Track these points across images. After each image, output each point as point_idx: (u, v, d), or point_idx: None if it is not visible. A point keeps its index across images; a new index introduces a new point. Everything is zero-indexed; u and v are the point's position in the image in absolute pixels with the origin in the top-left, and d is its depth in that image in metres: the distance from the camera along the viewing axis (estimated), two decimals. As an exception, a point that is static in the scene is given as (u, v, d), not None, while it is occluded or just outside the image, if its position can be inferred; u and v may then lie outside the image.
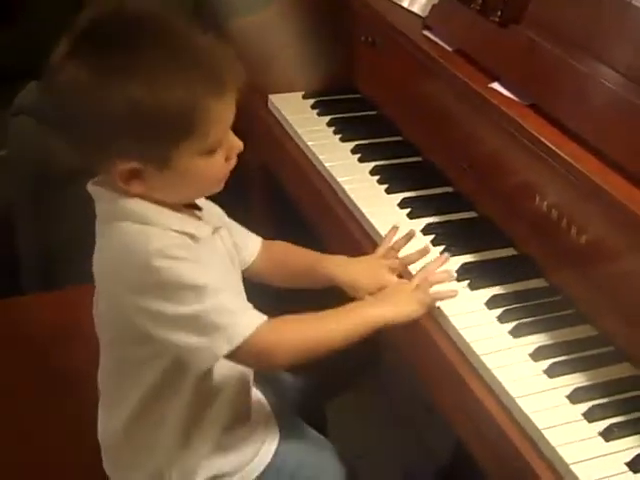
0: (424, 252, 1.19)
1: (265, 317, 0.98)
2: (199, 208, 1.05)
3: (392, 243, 1.21)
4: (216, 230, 1.05)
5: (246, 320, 0.96)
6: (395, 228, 1.23)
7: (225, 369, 1.04)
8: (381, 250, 1.20)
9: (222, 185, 1.02)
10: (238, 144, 0.99)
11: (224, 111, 0.95)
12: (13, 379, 1.35)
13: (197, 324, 0.94)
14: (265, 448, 1.13)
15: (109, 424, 1.10)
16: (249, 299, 1.05)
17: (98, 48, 0.91)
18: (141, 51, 0.91)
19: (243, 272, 1.15)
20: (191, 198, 1.03)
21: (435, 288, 1.12)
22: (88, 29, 0.93)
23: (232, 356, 0.97)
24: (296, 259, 1.20)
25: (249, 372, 1.11)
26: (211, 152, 0.96)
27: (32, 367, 1.38)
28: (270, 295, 1.16)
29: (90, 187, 1.01)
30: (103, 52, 0.91)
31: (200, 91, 0.92)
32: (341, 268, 1.16)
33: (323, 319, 1.04)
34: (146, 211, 0.97)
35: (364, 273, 1.15)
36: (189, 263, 0.95)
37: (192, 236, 0.98)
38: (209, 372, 1.03)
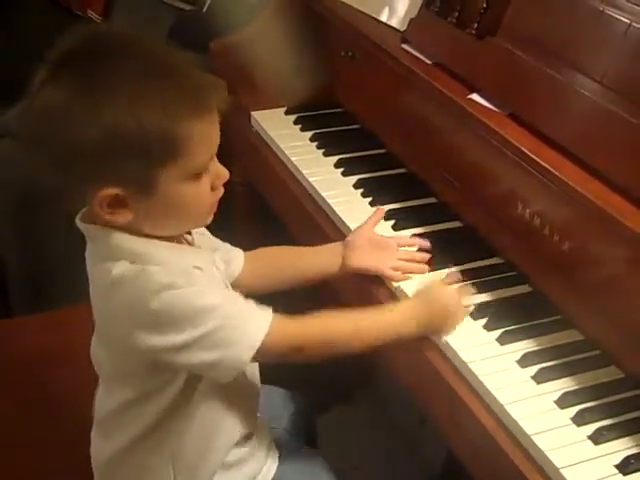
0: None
1: (270, 312, 0.98)
2: (189, 232, 1.04)
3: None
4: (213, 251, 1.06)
5: (257, 323, 0.96)
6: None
7: (233, 394, 1.04)
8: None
9: (210, 218, 1.00)
10: (224, 173, 0.97)
11: (208, 131, 0.93)
12: (2, 401, 1.35)
13: (214, 340, 0.94)
14: (267, 466, 1.13)
15: (106, 448, 1.07)
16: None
17: (76, 73, 0.89)
18: (120, 74, 0.88)
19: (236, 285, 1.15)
20: (179, 230, 1.01)
21: None
22: (65, 55, 0.90)
23: (261, 356, 0.97)
24: (287, 262, 1.21)
25: (256, 392, 1.11)
26: (197, 177, 0.93)
27: (21, 389, 1.37)
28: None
29: (80, 224, 0.98)
30: (81, 77, 0.88)
31: (182, 111, 0.89)
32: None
33: (357, 319, 1.04)
34: (142, 247, 0.94)
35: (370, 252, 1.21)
36: (190, 288, 0.93)
37: (195, 267, 0.97)
38: (218, 396, 1.03)
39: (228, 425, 1.06)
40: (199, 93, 0.91)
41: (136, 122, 0.87)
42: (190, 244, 1.04)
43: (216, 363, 0.95)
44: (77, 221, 0.98)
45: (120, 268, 0.93)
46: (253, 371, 1.10)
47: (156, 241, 0.96)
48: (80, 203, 0.97)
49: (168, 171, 0.91)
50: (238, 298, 1.00)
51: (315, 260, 1.22)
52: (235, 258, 1.17)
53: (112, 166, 0.89)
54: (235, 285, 1.16)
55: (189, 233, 1.04)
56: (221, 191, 0.98)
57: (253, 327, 0.96)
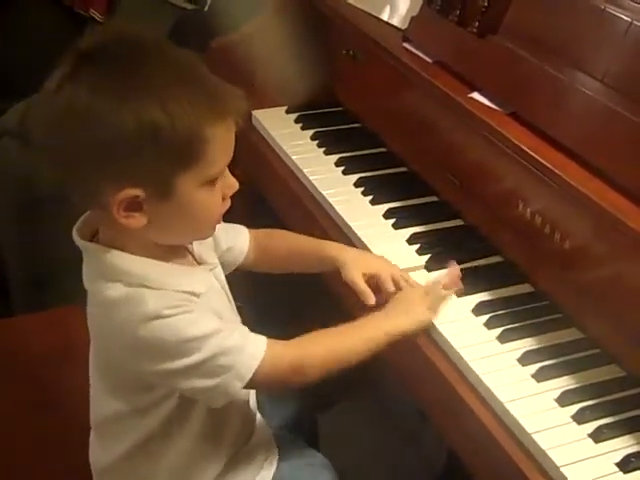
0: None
1: (265, 339, 0.98)
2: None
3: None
4: (212, 269, 1.05)
5: (251, 353, 0.96)
6: None
7: (233, 401, 1.04)
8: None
9: (214, 232, 1.01)
10: (235, 184, 0.97)
11: (229, 137, 0.93)
12: (1, 401, 1.35)
13: (206, 369, 0.94)
14: (267, 466, 1.13)
15: (104, 456, 1.08)
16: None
17: (106, 71, 0.88)
18: (151, 74, 0.88)
19: (237, 268, 1.16)
20: (185, 240, 1.01)
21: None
22: (91, 52, 0.89)
23: (252, 386, 0.98)
24: (298, 244, 1.21)
25: (253, 398, 1.12)
26: (212, 184, 0.93)
27: (22, 388, 1.37)
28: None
29: (78, 241, 0.98)
30: (111, 74, 0.88)
31: (209, 115, 0.89)
32: (343, 250, 1.19)
33: (344, 333, 1.05)
34: (139, 269, 0.94)
35: (367, 255, 1.20)
36: (186, 315, 0.93)
37: (192, 293, 0.97)
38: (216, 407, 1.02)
39: (226, 432, 1.06)
40: (223, 99, 0.92)
41: (168, 121, 0.87)
42: (193, 257, 1.04)
43: (208, 390, 0.95)
44: (75, 237, 0.98)
45: (115, 291, 0.93)
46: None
47: (155, 261, 0.96)
48: (90, 205, 0.96)
49: (188, 175, 0.90)
50: (233, 326, 1.00)
51: (319, 266, 1.21)
52: (239, 239, 1.18)
53: (138, 165, 0.88)
54: (243, 267, 1.17)
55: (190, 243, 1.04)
56: (229, 203, 0.98)
57: (247, 355, 0.96)
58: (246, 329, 1.00)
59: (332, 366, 1.01)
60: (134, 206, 0.91)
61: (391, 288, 1.14)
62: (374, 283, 1.15)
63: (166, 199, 0.91)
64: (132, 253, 0.95)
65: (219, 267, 1.08)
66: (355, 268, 1.14)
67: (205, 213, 0.95)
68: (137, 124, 0.86)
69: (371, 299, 1.12)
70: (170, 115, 0.86)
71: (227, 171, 0.96)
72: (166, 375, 0.95)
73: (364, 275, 1.14)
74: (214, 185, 0.94)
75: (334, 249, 1.19)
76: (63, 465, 1.23)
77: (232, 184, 0.97)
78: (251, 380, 0.96)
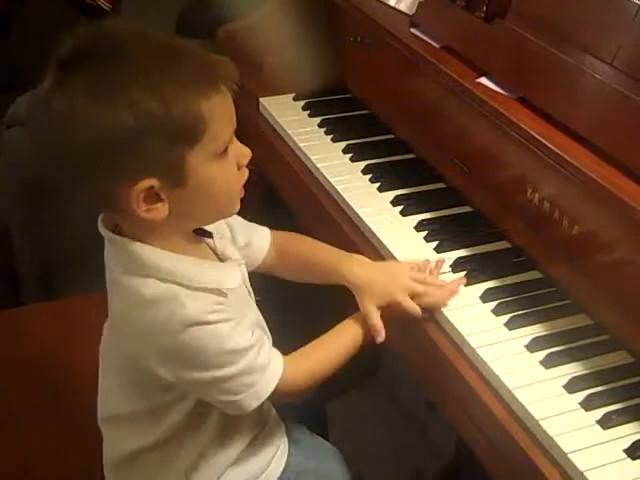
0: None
1: (281, 358, 1.02)
2: (210, 235, 1.03)
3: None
4: (240, 264, 1.05)
5: (271, 374, 0.99)
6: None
7: None
8: (410, 263, 1.18)
9: (239, 204, 0.99)
10: (247, 151, 0.97)
11: (226, 105, 0.92)
12: (12, 390, 1.35)
13: (231, 384, 0.96)
14: (278, 456, 1.13)
15: (117, 450, 1.08)
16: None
17: (90, 73, 0.87)
18: (135, 65, 0.87)
19: (255, 269, 1.15)
20: (210, 220, 1.01)
21: None
22: (71, 58, 0.88)
23: (278, 396, 1.02)
24: (314, 256, 1.19)
25: None
26: (222, 156, 0.93)
27: (31, 378, 1.37)
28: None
29: (103, 231, 0.97)
30: (97, 75, 0.87)
31: (200, 89, 0.89)
32: (356, 271, 1.14)
33: (326, 342, 1.08)
34: (167, 263, 0.94)
35: (380, 279, 1.13)
36: (228, 324, 0.95)
37: (220, 292, 0.97)
38: None
39: (242, 425, 1.07)
40: (211, 70, 0.91)
41: (164, 107, 0.86)
42: (215, 252, 1.04)
43: (223, 403, 0.99)
44: (100, 227, 0.98)
45: (149, 289, 0.93)
46: None
47: (181, 257, 0.95)
48: (109, 208, 0.96)
49: (196, 153, 0.90)
50: (262, 336, 1.02)
51: (326, 279, 1.19)
52: (259, 239, 1.17)
53: (145, 156, 0.88)
54: (261, 268, 1.17)
55: (210, 236, 1.03)
56: (246, 172, 0.98)
57: (268, 374, 0.99)
58: (269, 343, 1.03)
59: (320, 378, 1.07)
60: (152, 198, 0.90)
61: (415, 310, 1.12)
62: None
63: (182, 183, 0.91)
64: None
65: (244, 263, 1.08)
66: (370, 297, 1.11)
67: (224, 187, 0.95)
68: (135, 118, 0.85)
69: (381, 336, 1.10)
70: (165, 101, 0.86)
71: (235, 140, 0.96)
72: (191, 382, 0.96)
73: (379, 308, 1.11)
74: (226, 157, 0.93)
75: (345, 268, 1.14)
76: (73, 452, 1.24)
77: (244, 152, 0.96)
78: (273, 393, 1.00)
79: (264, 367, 0.99)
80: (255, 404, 0.99)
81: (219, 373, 0.95)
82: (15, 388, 1.36)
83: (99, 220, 0.98)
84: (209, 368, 0.94)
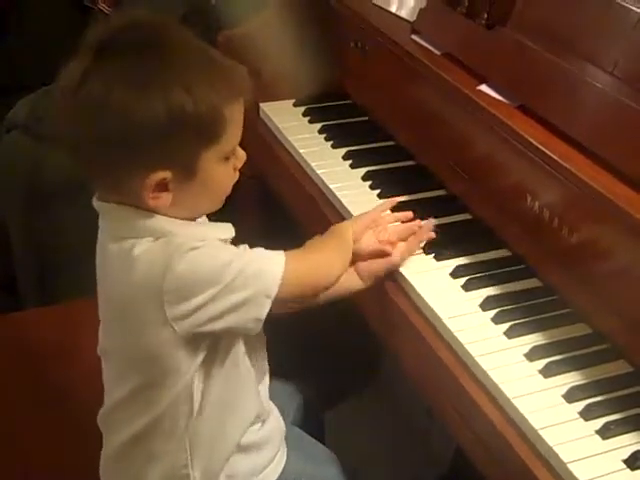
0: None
1: (282, 252, 1.03)
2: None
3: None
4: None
5: (275, 257, 1.02)
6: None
7: (245, 371, 1.05)
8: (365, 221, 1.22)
9: (223, 201, 1.03)
10: (244, 155, 1.02)
11: (240, 112, 0.98)
12: (10, 395, 1.35)
13: (240, 281, 0.96)
14: (276, 460, 1.13)
15: (117, 438, 1.07)
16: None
17: (127, 60, 0.91)
18: (172, 61, 0.92)
19: None
20: (199, 213, 1.03)
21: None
22: (108, 43, 0.92)
23: (281, 296, 1.00)
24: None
25: (265, 369, 1.13)
26: (227, 158, 0.99)
27: (29, 382, 1.37)
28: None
29: (98, 204, 1.00)
30: (133, 63, 0.91)
31: (226, 93, 0.94)
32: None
33: (314, 248, 1.12)
34: (167, 225, 0.97)
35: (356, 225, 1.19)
36: (214, 243, 0.98)
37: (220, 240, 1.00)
38: (230, 377, 1.03)
39: (241, 404, 1.06)
40: (236, 78, 0.97)
41: (194, 103, 0.91)
42: None
43: (247, 301, 0.97)
44: (95, 201, 1.00)
45: (144, 245, 0.96)
46: (262, 346, 1.11)
47: (179, 220, 0.99)
48: (114, 194, 0.98)
49: (210, 153, 0.95)
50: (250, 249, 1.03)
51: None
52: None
53: (168, 148, 0.92)
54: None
55: None
56: (238, 174, 1.03)
57: (273, 263, 1.01)
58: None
59: (323, 281, 1.09)
60: (161, 187, 0.95)
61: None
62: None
63: (190, 177, 0.96)
64: None
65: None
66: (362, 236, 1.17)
67: (222, 186, 1.01)
68: (167, 109, 0.90)
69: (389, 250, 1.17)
70: (194, 97, 0.91)
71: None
72: (205, 306, 0.95)
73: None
74: (229, 159, 0.99)
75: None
76: (72, 456, 1.24)
77: (242, 156, 1.02)
78: (282, 285, 0.99)
79: (266, 255, 1.01)
80: (276, 284, 0.98)
81: (225, 280, 0.95)
82: (15, 392, 1.36)
83: (94, 198, 1.00)
84: (215, 283, 0.95)
